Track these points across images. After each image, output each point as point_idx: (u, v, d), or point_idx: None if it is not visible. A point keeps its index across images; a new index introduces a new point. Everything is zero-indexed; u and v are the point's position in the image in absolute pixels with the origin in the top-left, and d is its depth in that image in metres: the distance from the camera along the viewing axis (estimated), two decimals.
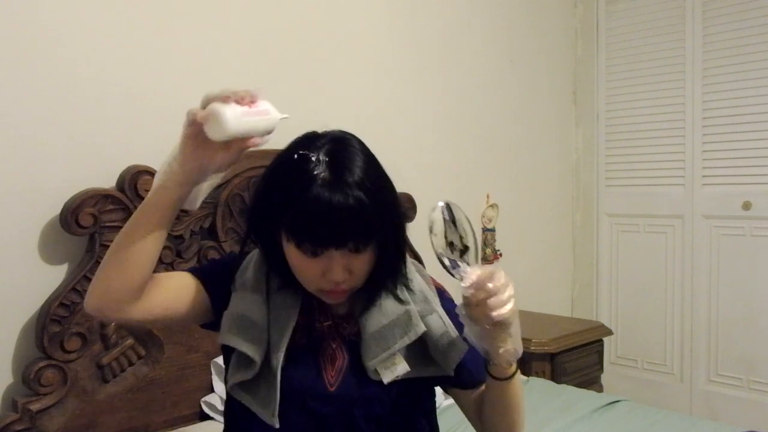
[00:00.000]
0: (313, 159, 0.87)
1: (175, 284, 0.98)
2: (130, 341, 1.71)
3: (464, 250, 0.89)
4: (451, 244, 0.88)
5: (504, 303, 0.83)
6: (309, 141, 0.91)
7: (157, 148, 1.79)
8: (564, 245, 3.39)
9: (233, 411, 1.00)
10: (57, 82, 1.64)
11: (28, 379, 1.55)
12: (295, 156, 0.89)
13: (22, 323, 1.61)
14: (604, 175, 3.31)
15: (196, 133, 0.85)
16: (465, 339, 0.91)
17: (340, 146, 0.90)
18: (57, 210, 1.62)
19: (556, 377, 2.48)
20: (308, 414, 0.95)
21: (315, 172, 0.86)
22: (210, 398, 1.82)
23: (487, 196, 2.86)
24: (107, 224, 1.64)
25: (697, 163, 2.98)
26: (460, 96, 2.77)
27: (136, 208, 0.93)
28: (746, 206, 2.83)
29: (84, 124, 1.69)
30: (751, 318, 2.84)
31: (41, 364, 1.55)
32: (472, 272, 0.85)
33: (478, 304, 0.84)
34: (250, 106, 0.85)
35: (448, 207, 0.91)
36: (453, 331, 0.97)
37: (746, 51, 2.81)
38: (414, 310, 0.98)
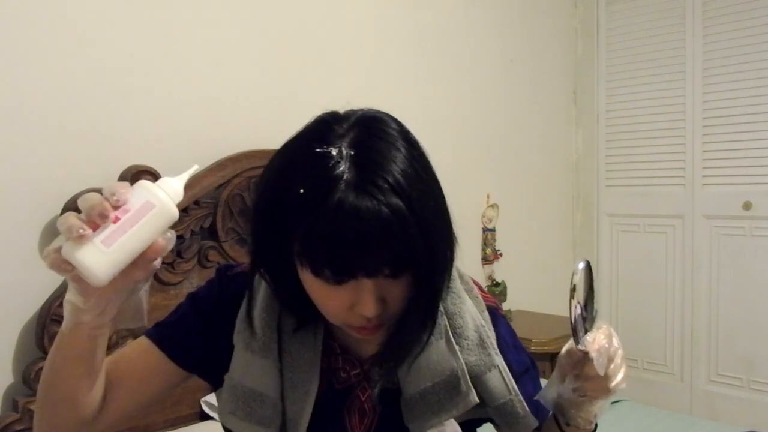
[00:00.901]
0: (333, 153, 0.64)
1: (135, 370, 0.82)
2: (130, 341, 1.70)
3: (592, 317, 0.75)
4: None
5: (620, 368, 0.71)
6: (327, 127, 0.68)
7: (157, 148, 1.80)
8: (564, 245, 3.39)
9: None
10: (57, 82, 1.64)
11: (28, 379, 1.55)
12: (309, 152, 0.65)
13: (22, 323, 1.61)
14: (604, 175, 3.31)
15: (76, 276, 0.62)
16: (538, 401, 0.77)
17: (371, 133, 0.67)
18: (57, 210, 1.61)
19: None
20: None
21: (335, 172, 0.63)
22: (210, 398, 1.82)
23: (487, 196, 2.86)
24: None
25: (697, 163, 2.98)
26: (460, 96, 2.77)
27: None
28: (746, 206, 2.83)
29: (84, 124, 1.69)
30: (751, 318, 2.84)
31: (42, 363, 1.55)
32: (597, 343, 0.70)
33: (595, 377, 0.69)
34: (117, 219, 0.60)
35: (589, 268, 0.75)
36: (519, 402, 0.80)
37: (746, 51, 2.81)
38: (463, 371, 0.78)
